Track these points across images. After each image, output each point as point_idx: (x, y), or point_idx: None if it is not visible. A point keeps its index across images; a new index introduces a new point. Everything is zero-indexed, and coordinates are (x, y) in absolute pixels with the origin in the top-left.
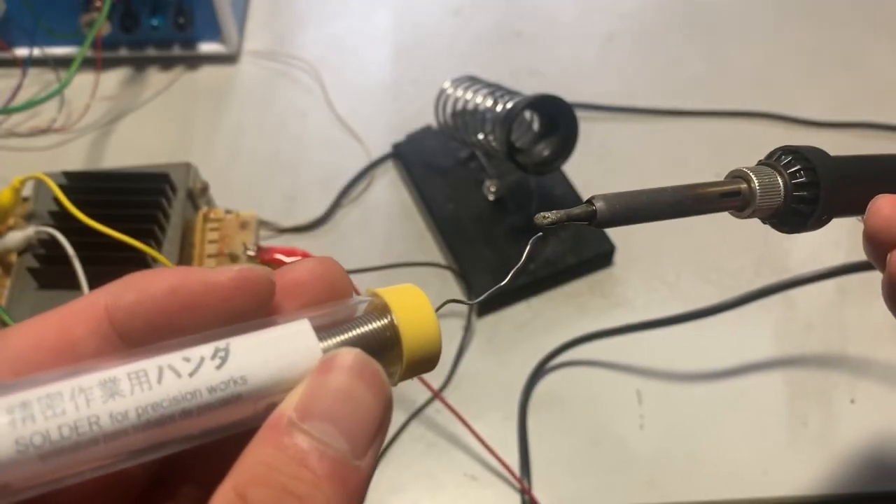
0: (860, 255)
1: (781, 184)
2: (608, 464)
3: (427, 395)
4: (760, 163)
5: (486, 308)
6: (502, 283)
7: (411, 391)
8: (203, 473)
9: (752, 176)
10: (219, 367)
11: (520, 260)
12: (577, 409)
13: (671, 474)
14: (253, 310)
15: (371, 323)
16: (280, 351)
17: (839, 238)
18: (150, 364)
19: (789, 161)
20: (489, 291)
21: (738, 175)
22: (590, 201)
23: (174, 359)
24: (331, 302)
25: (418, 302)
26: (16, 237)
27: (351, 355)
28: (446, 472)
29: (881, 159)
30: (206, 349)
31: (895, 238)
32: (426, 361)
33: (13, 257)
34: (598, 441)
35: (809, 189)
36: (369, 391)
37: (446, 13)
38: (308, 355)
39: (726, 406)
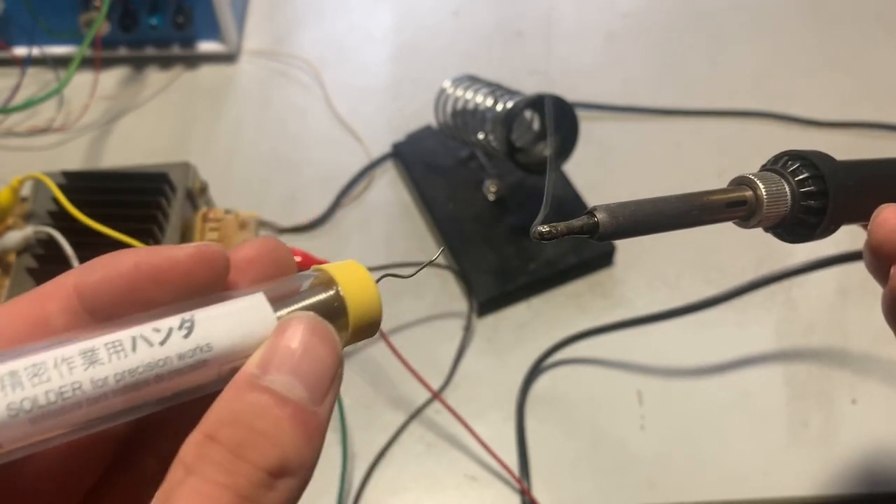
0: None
1: (789, 192)
2: (608, 464)
3: (427, 395)
4: (765, 168)
5: (486, 308)
6: (433, 259)
7: (411, 392)
8: (164, 447)
9: (759, 183)
10: (186, 336)
11: (518, 259)
12: (578, 410)
13: (672, 475)
14: (211, 283)
15: (319, 294)
16: (240, 320)
17: (840, 239)
18: (124, 335)
19: (797, 168)
20: (422, 265)
21: (742, 182)
22: (591, 213)
23: (145, 329)
24: (281, 277)
25: (360, 275)
26: (14, 237)
27: (305, 316)
28: (446, 473)
29: (890, 163)
30: (173, 321)
31: None
32: (369, 327)
33: (12, 257)
34: (599, 441)
35: (817, 198)
36: (323, 346)
37: (446, 13)
38: (265, 323)
39: (727, 407)
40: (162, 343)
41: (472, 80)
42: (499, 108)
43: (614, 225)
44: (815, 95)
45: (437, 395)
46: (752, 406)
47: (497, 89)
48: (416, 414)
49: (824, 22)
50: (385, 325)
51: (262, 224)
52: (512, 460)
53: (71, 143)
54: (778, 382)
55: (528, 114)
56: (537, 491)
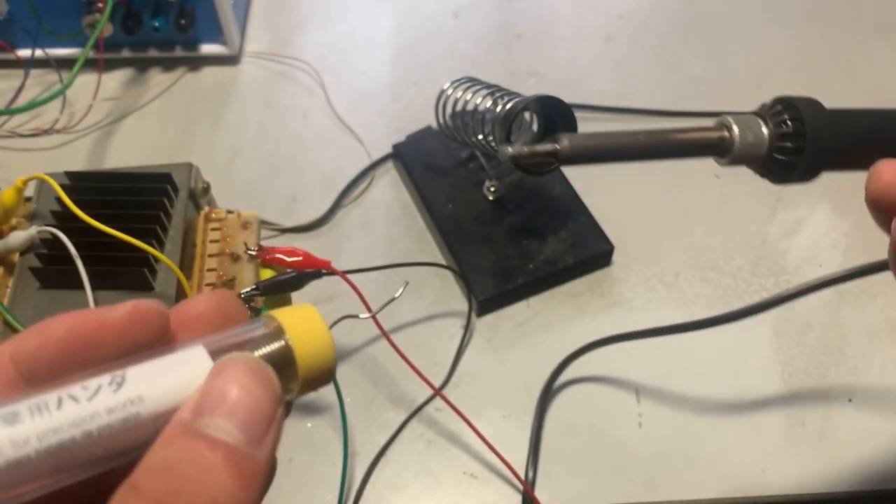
0: (858, 257)
1: (766, 134)
2: (607, 462)
3: (426, 394)
4: (757, 111)
5: (485, 307)
6: (396, 296)
7: (411, 390)
8: None
9: (734, 126)
10: (116, 390)
11: (517, 258)
12: (576, 408)
13: (670, 473)
14: (149, 341)
15: (266, 345)
16: (175, 372)
17: (837, 238)
18: (50, 396)
19: (779, 111)
20: (385, 303)
21: (722, 123)
22: (555, 140)
23: (73, 388)
24: (228, 328)
25: (312, 321)
26: (18, 237)
27: (241, 357)
28: (446, 471)
29: (878, 114)
30: (104, 378)
31: None
32: (322, 376)
33: (16, 257)
34: (597, 440)
35: (795, 140)
36: (259, 386)
37: (446, 14)
38: (203, 374)
39: (725, 405)
40: (90, 399)
41: (472, 82)
42: (498, 109)
43: (574, 150)
44: (814, 96)
45: (438, 392)
46: (750, 405)
47: (496, 91)
48: (416, 412)
49: (823, 22)
50: (385, 324)
51: (264, 224)
52: (512, 458)
53: (74, 143)
54: (775, 381)
55: (527, 115)
56: (537, 488)
